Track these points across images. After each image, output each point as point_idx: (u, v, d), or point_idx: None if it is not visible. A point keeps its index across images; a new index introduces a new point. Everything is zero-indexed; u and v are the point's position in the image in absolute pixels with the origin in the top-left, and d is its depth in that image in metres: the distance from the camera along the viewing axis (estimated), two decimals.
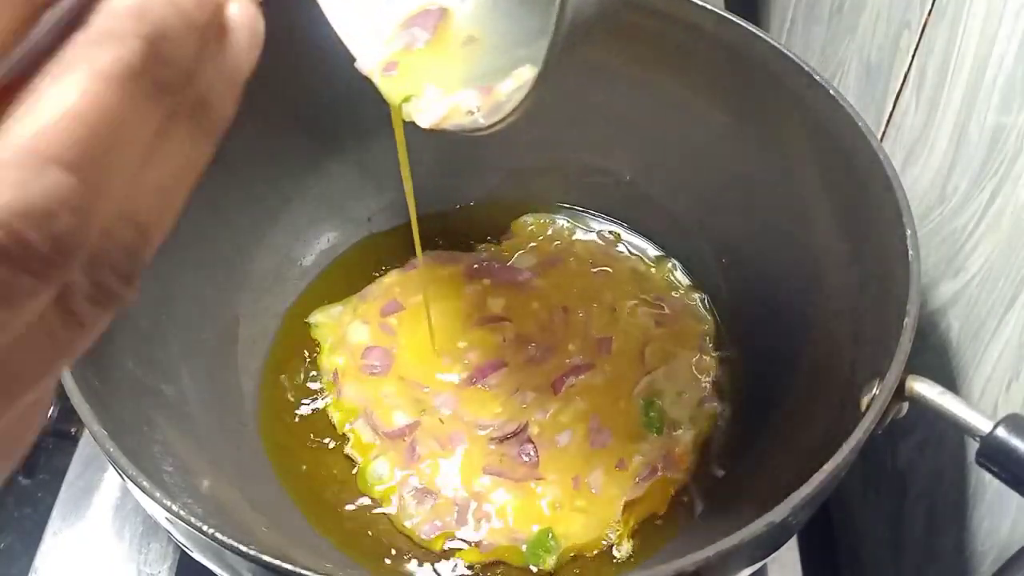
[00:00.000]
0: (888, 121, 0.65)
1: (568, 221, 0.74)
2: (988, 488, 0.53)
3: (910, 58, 0.61)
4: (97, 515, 0.63)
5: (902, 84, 0.62)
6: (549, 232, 0.73)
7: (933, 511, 0.59)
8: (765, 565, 0.62)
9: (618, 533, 0.58)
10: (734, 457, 0.61)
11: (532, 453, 0.60)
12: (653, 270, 0.71)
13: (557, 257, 0.71)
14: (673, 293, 0.69)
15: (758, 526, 0.41)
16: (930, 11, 0.58)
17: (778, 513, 0.41)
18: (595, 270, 0.71)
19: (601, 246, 0.73)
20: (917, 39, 0.60)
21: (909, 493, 0.63)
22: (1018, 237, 0.49)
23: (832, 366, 0.55)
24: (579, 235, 0.73)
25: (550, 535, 0.58)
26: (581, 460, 0.60)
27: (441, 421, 0.62)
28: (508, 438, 0.61)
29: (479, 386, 0.64)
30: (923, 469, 0.61)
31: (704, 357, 0.66)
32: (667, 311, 0.68)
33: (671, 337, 0.67)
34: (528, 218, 0.74)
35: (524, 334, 0.67)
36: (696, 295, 0.69)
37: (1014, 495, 0.42)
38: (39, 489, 0.73)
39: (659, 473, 0.60)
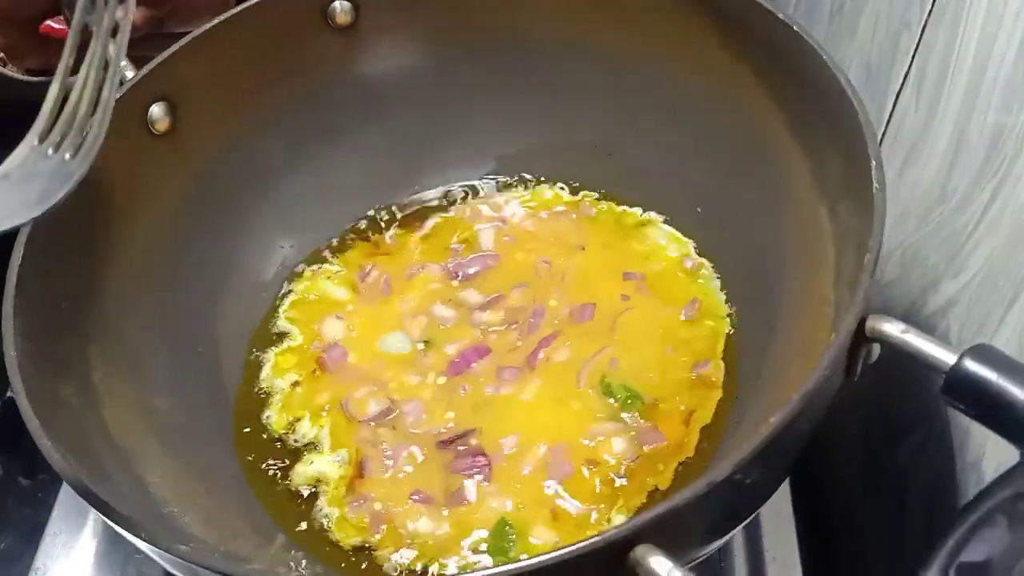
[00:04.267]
0: (888, 121, 0.65)
1: (535, 188, 0.73)
2: None
3: (910, 59, 0.61)
4: (97, 515, 0.63)
5: (902, 84, 0.63)
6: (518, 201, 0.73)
7: (933, 511, 0.59)
8: (765, 565, 0.62)
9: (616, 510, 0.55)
10: (722, 426, 0.59)
11: (483, 466, 0.57)
12: (634, 241, 0.69)
13: (526, 220, 0.71)
14: (654, 264, 0.68)
15: (699, 486, 0.38)
16: (930, 12, 0.58)
17: (720, 471, 0.38)
18: (570, 219, 0.71)
19: (575, 216, 0.72)
20: (917, 40, 0.60)
21: (909, 493, 0.63)
22: (1018, 237, 0.50)
23: (816, 325, 0.52)
24: (556, 208, 0.72)
25: (507, 526, 0.54)
26: (535, 504, 0.56)
27: (394, 428, 0.60)
28: (453, 441, 0.59)
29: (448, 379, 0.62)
30: (923, 469, 0.61)
31: (687, 325, 0.64)
32: (647, 279, 0.67)
33: (651, 304, 0.65)
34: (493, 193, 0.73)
35: (514, 307, 0.65)
36: (682, 259, 0.68)
37: None
38: (39, 489, 0.73)
39: (645, 450, 0.57)
